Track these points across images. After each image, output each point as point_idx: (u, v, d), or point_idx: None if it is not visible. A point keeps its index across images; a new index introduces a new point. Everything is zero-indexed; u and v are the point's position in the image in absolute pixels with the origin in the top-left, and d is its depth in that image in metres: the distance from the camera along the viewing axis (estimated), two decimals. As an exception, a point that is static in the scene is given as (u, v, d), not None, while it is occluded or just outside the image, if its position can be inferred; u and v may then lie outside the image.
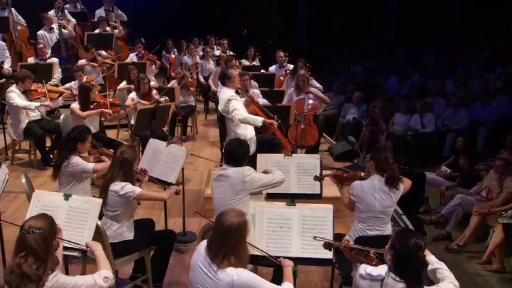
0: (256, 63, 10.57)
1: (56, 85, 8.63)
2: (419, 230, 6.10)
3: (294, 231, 3.45)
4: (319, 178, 4.31)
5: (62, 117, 6.83)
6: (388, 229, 4.11)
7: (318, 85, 7.83)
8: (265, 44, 15.36)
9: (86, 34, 10.13)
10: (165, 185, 4.61)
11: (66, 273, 3.90)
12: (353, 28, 18.50)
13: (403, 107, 9.52)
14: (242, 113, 5.69)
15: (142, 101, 7.12)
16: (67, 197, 3.61)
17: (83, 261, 3.91)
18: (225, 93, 5.75)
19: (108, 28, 10.72)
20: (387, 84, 12.22)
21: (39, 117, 7.20)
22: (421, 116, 9.14)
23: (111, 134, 8.28)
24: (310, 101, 7.08)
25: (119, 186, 3.89)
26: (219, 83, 6.57)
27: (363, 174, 4.20)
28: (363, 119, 9.90)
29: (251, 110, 5.98)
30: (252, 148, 5.86)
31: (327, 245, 3.12)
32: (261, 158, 4.56)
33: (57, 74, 8.99)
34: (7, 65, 9.11)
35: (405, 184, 4.19)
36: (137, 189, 3.96)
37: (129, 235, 4.03)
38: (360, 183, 4.08)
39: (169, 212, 5.58)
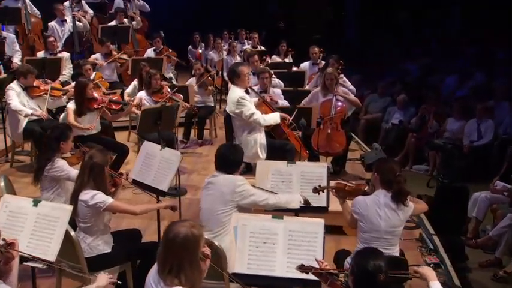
0: (288, 59, 10.58)
1: (66, 82, 8.87)
2: (459, 253, 5.96)
3: (279, 248, 3.47)
4: (318, 190, 4.26)
5: (62, 116, 7.06)
6: (396, 251, 4.02)
7: (351, 87, 7.79)
8: (311, 38, 15.22)
9: (100, 27, 10.37)
10: (156, 193, 4.72)
11: (34, 286, 4.04)
12: (414, 22, 18.11)
13: (457, 111, 9.24)
14: (260, 116, 5.82)
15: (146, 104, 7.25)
16: (36, 203, 3.77)
17: (58, 273, 4.04)
18: (234, 93, 5.84)
19: (125, 20, 10.90)
20: (444, 85, 11.91)
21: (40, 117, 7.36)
22: (479, 122, 8.88)
23: (122, 136, 8.50)
24: (339, 103, 6.99)
25: (89, 196, 3.96)
26: None
27: (366, 188, 4.13)
28: (410, 124, 9.71)
29: (262, 111, 6.04)
30: (263, 155, 5.94)
31: (301, 268, 3.10)
32: (261, 165, 4.59)
33: (67, 69, 9.17)
34: (17, 59, 9.39)
35: (419, 205, 4.14)
36: (108, 200, 4.00)
37: (106, 248, 4.12)
38: (363, 198, 3.99)
39: (169, 222, 5.67)
